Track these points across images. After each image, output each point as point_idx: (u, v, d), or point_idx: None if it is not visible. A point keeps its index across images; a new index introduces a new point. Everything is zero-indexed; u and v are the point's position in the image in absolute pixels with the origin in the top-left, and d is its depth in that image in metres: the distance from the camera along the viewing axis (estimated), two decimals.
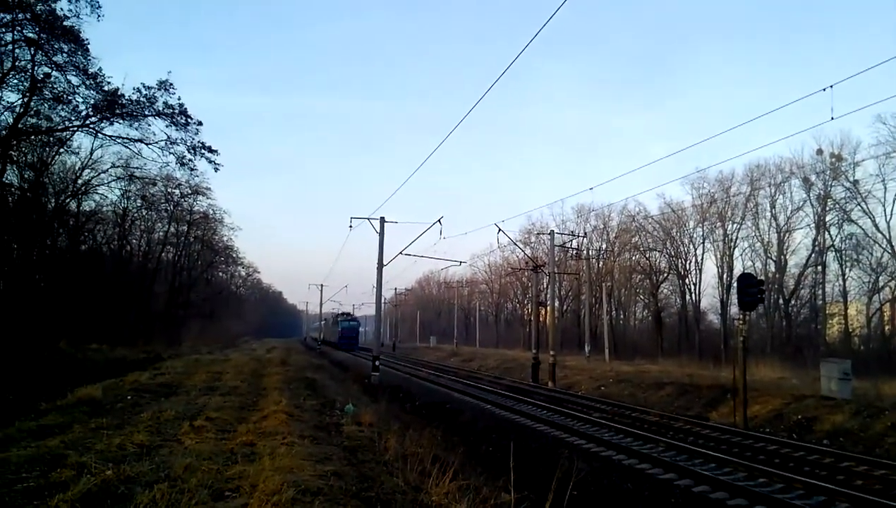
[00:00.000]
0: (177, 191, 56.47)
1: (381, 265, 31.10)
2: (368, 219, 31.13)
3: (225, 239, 76.03)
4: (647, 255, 62.90)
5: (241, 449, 8.70)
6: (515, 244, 47.95)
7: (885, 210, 44.63)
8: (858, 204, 46.29)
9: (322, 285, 76.91)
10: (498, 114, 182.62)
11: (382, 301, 36.93)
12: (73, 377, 20.95)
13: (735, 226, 55.17)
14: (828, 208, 48.62)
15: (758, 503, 10.08)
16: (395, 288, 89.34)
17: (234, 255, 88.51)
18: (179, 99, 35.92)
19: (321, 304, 78.00)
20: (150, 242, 63.56)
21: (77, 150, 43.28)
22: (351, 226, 32.01)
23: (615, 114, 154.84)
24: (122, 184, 48.64)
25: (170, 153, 37.46)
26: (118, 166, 45.19)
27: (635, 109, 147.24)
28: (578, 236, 58.29)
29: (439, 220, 28.99)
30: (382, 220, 30.97)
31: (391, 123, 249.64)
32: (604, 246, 67.77)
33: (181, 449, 8.63)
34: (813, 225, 49.82)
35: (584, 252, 61.60)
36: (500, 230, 31.70)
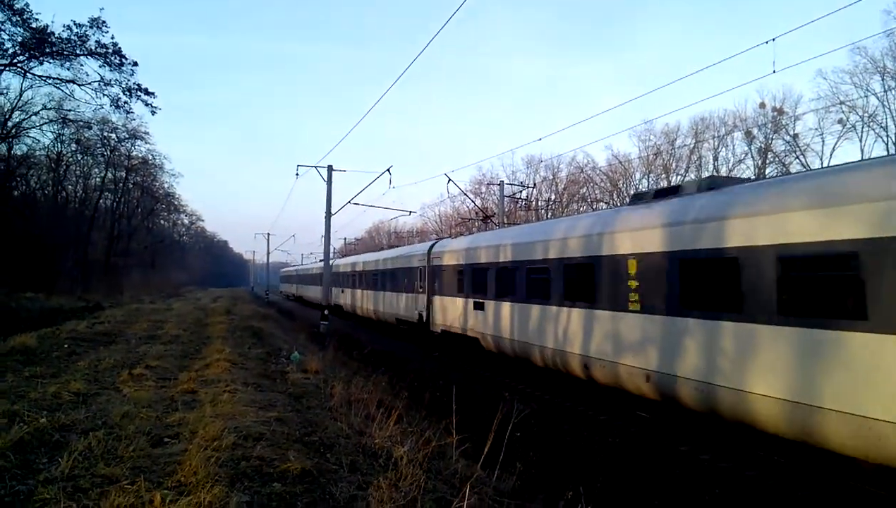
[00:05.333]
0: (113, 135, 54.70)
1: (329, 214, 30.66)
2: (315, 166, 30.53)
3: (166, 185, 74.00)
4: (595, 207, 63.95)
5: (181, 397, 8.60)
6: (465, 194, 47.87)
7: (822, 163, 46.37)
8: (797, 157, 47.95)
9: (269, 234, 75.52)
10: (448, 62, 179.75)
11: (331, 250, 36.60)
12: (6, 326, 20.20)
13: (679, 177, 56.49)
14: (768, 161, 50.19)
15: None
16: (345, 238, 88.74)
17: (176, 203, 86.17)
18: (113, 38, 34.37)
19: (268, 253, 76.70)
20: (86, 188, 61.25)
21: (5, 91, 41.22)
22: (297, 174, 31.40)
23: (566, 63, 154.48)
24: (56, 127, 46.78)
25: (104, 95, 36.12)
26: (50, 108, 43.42)
27: (586, 59, 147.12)
28: (528, 187, 58.79)
29: (388, 169, 28.61)
30: (330, 168, 30.40)
31: (340, 69, 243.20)
32: (552, 197, 68.49)
33: (119, 398, 8.48)
34: (753, 177, 51.39)
35: (534, 203, 62.28)
36: (449, 180, 31.38)
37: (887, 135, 43.71)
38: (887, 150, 41.86)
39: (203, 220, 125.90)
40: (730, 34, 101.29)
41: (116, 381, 9.75)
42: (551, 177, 68.19)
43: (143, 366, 11.08)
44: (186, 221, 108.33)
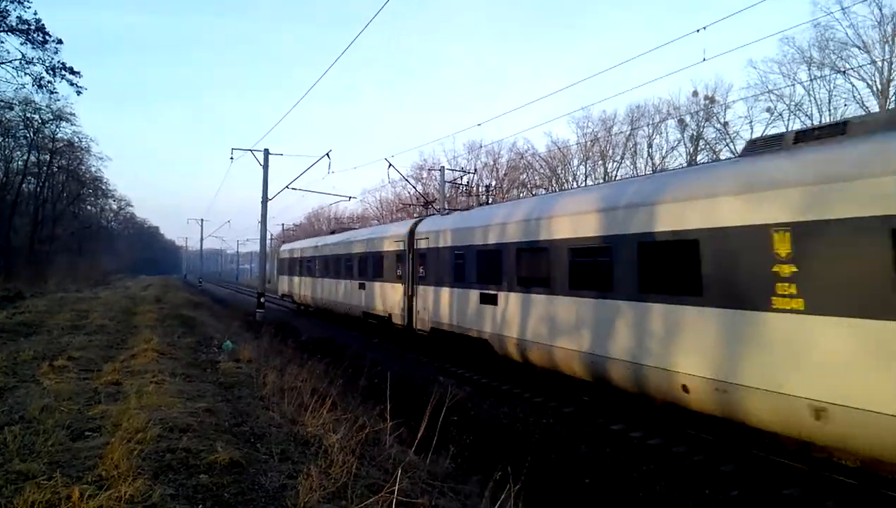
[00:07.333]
0: (37, 117, 51.75)
1: (265, 199, 30.08)
2: (251, 150, 29.84)
3: (93, 169, 70.71)
4: (534, 193, 64.75)
5: (105, 389, 8.30)
6: (406, 179, 47.76)
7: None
8: (727, 144, 49.58)
9: (202, 220, 73.55)
10: (390, 46, 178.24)
11: (269, 237, 35.98)
12: None
13: (615, 164, 57.79)
14: (699, 148, 51.75)
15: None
16: (283, 224, 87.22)
17: (104, 187, 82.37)
18: (36, 13, 32.67)
19: (202, 240, 74.66)
20: (8, 172, 57.92)
21: None
22: (232, 158, 30.56)
23: (508, 50, 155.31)
24: None
25: (26, 74, 34.13)
26: None
27: (528, 46, 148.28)
28: (469, 172, 58.94)
29: (327, 154, 28.25)
30: (266, 152, 29.80)
31: (277, 51, 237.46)
32: (493, 183, 68.88)
33: (39, 390, 8.13)
34: (685, 164, 53.02)
35: (475, 188, 62.45)
36: (390, 165, 31.17)
37: (812, 123, 45.71)
38: None
39: (132, 206, 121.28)
40: (667, 23, 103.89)
41: (36, 373, 9.32)
42: (492, 163, 68.58)
43: (65, 357, 10.63)
44: (115, 207, 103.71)
